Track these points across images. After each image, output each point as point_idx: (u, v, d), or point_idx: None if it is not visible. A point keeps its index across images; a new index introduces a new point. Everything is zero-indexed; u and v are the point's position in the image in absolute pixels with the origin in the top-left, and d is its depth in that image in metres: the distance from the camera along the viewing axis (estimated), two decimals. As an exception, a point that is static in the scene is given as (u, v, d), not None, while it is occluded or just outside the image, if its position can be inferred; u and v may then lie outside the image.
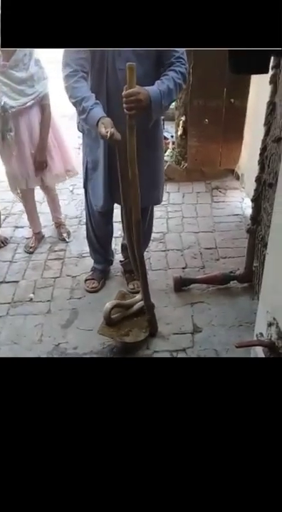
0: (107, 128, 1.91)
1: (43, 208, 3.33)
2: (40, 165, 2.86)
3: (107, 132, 1.89)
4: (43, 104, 2.73)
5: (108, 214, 2.58)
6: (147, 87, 1.89)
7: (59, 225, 3.30)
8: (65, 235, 3.25)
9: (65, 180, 3.13)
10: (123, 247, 2.85)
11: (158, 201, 2.55)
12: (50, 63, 2.76)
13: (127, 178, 1.99)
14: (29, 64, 2.56)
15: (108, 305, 2.33)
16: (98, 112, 1.98)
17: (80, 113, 2.04)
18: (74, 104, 2.04)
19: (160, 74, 2.03)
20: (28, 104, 2.64)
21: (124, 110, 1.83)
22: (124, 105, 1.82)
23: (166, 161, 3.93)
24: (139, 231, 2.10)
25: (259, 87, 3.13)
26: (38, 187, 3.08)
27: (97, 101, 2.02)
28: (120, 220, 2.74)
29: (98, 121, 1.95)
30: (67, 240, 3.23)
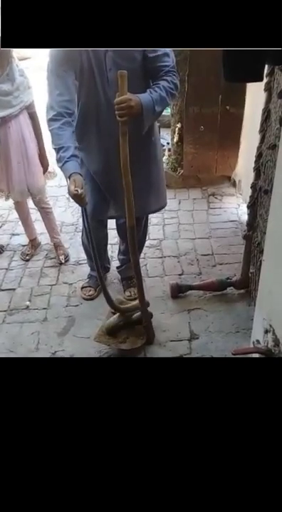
0: (77, 187, 1.92)
1: (39, 214, 3.31)
2: (46, 169, 2.91)
3: (76, 191, 1.91)
4: (30, 113, 2.75)
5: (102, 222, 2.59)
6: (138, 94, 1.91)
7: (57, 246, 3.18)
8: (62, 257, 3.11)
9: (28, 198, 2.98)
10: (120, 252, 2.85)
11: (156, 209, 2.55)
12: (41, 70, 2.77)
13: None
14: (14, 76, 2.57)
15: (113, 320, 2.33)
16: (72, 166, 1.99)
17: (57, 160, 2.06)
18: (54, 149, 2.06)
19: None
20: (14, 113, 2.65)
21: (117, 117, 1.84)
22: (116, 112, 1.83)
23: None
24: (134, 237, 2.10)
25: (255, 95, 3.14)
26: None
27: (75, 153, 2.03)
28: (115, 227, 2.76)
29: (70, 176, 1.97)
30: (63, 261, 3.09)
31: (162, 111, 2.07)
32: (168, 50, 2.03)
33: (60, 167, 2.04)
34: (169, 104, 2.11)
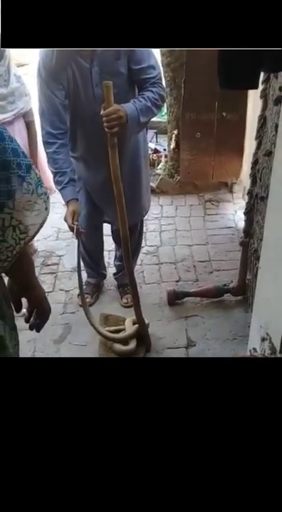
0: (75, 221, 2.03)
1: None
2: None
3: (73, 225, 2.02)
4: (27, 122, 2.71)
5: (97, 228, 2.59)
6: (122, 104, 1.89)
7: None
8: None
9: None
10: (116, 258, 2.85)
11: (143, 215, 2.58)
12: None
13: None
14: (9, 80, 2.54)
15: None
16: (70, 193, 2.08)
17: (54, 182, 2.12)
18: (51, 171, 2.12)
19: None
20: (8, 119, 2.61)
21: (105, 129, 1.83)
22: (105, 124, 1.83)
23: (159, 175, 3.95)
24: (128, 248, 2.10)
25: (256, 102, 3.15)
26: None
27: (73, 177, 2.09)
28: (111, 233, 2.75)
29: (68, 202, 2.07)
30: None
31: (147, 121, 2.06)
32: (153, 62, 2.03)
33: (58, 190, 2.10)
34: (155, 114, 2.11)
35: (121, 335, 2.33)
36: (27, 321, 1.33)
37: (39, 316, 1.32)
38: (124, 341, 2.31)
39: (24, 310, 2.78)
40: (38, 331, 1.35)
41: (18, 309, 1.31)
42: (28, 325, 1.36)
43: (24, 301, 1.31)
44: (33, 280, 1.25)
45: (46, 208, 1.09)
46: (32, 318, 1.32)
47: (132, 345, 2.31)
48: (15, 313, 1.31)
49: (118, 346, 2.29)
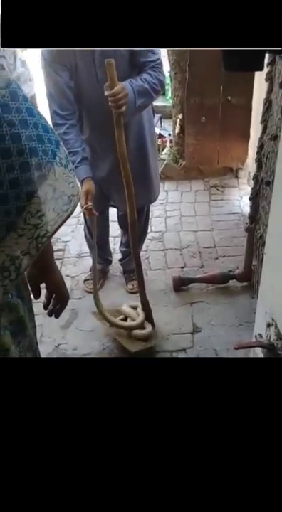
0: (87, 200, 2.07)
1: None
2: None
3: (85, 204, 2.06)
4: None
5: (103, 213, 2.59)
6: (120, 83, 1.86)
7: None
8: None
9: None
10: (121, 244, 2.85)
11: (151, 200, 2.56)
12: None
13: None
14: (15, 65, 2.53)
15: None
16: (83, 171, 2.10)
17: None
18: None
19: None
20: None
21: (112, 109, 1.82)
22: (111, 104, 1.80)
23: (164, 160, 3.93)
24: (135, 233, 2.10)
25: (261, 85, 3.11)
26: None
27: (85, 155, 2.11)
28: (116, 219, 2.75)
29: (83, 181, 2.08)
30: None
31: (144, 105, 2.03)
32: None
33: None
34: (153, 98, 2.08)
35: (137, 322, 2.32)
36: (46, 307, 1.34)
37: (58, 301, 1.33)
38: (141, 326, 2.32)
39: (31, 296, 2.81)
40: (56, 317, 1.36)
41: (37, 295, 1.30)
42: (35, 310, 1.36)
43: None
44: (52, 264, 1.26)
45: (77, 183, 1.10)
46: (51, 305, 1.33)
47: (149, 327, 2.32)
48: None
49: (135, 332, 2.30)
